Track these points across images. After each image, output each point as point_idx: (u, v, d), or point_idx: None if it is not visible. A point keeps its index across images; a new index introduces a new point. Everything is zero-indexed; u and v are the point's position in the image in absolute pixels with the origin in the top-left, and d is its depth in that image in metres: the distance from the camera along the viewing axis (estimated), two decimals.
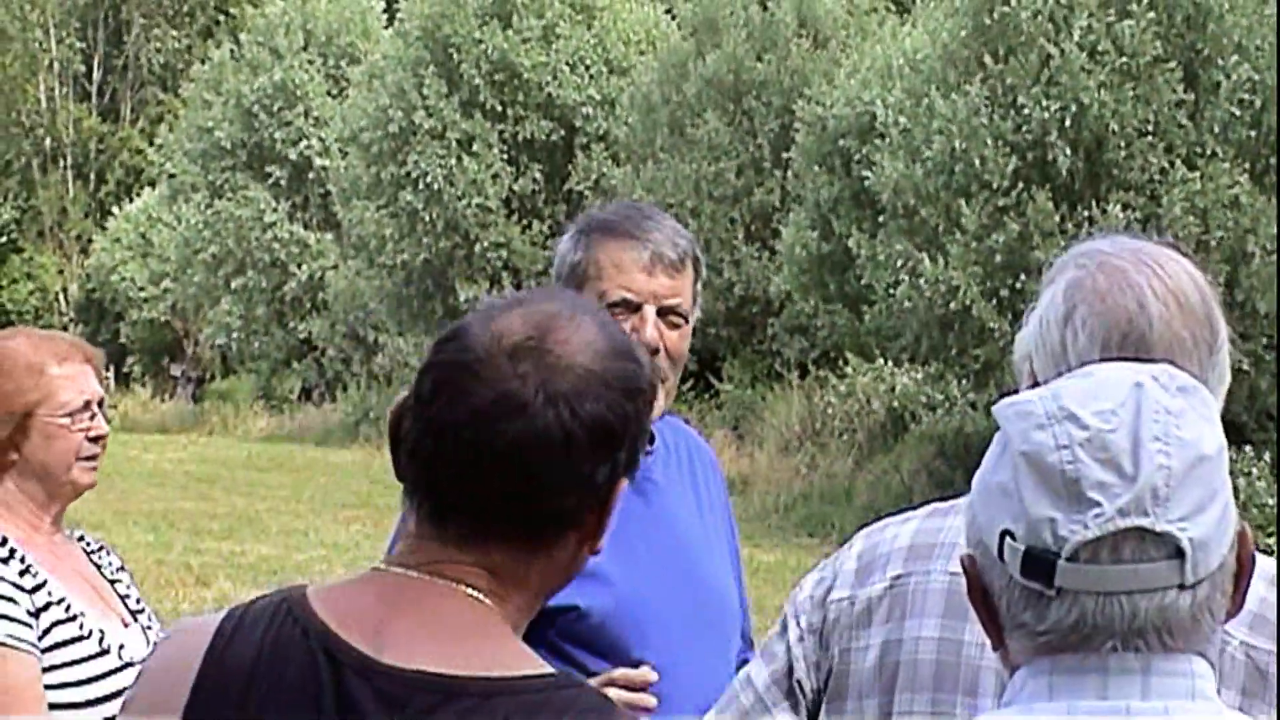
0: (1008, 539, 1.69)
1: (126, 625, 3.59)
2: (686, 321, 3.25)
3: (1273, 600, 2.43)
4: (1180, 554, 1.66)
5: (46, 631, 3.42)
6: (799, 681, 2.57)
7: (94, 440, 3.61)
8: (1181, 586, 1.66)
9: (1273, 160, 18.56)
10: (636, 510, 3.19)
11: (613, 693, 2.91)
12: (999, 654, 1.78)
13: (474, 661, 1.84)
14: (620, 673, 3.01)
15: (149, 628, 3.63)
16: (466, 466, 1.86)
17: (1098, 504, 1.66)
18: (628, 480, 1.94)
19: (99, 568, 3.70)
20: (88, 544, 3.75)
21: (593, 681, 2.92)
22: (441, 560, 1.89)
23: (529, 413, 1.84)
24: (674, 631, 3.17)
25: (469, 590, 1.88)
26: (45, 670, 3.39)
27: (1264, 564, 2.34)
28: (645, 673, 3.01)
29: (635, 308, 3.18)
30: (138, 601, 3.69)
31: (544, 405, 1.85)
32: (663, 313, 3.20)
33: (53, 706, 3.39)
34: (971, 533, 1.75)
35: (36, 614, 3.41)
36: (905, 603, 2.50)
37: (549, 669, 1.87)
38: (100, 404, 3.65)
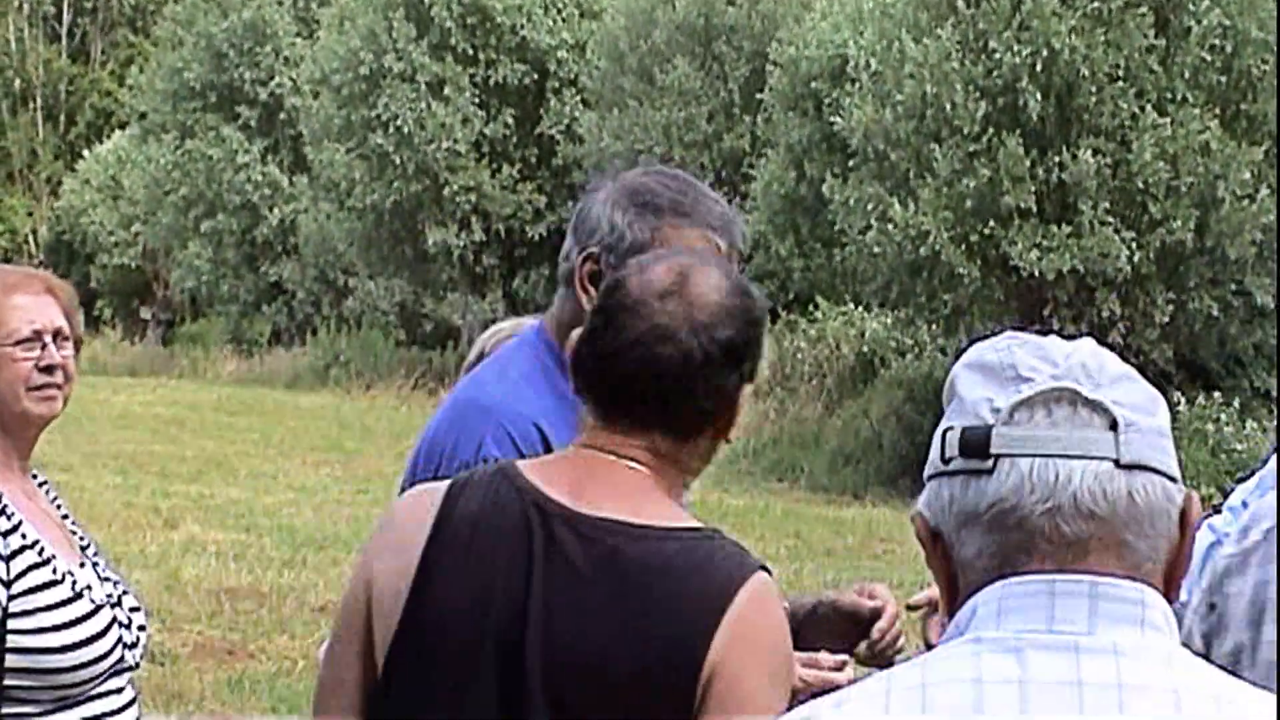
0: (948, 435, 1.71)
1: (82, 565, 3.55)
2: None
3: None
4: (1114, 427, 1.66)
5: (21, 574, 3.38)
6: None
7: (45, 370, 3.54)
8: (1117, 464, 1.65)
9: (1243, 106, 18.59)
10: None
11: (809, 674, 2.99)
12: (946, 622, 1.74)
13: (645, 514, 2.43)
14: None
15: (95, 564, 3.59)
16: (632, 381, 2.48)
17: (1030, 379, 1.69)
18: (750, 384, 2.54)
19: (58, 508, 3.66)
20: (41, 483, 3.69)
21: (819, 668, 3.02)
22: (619, 444, 2.49)
23: (677, 339, 2.45)
24: None
25: (638, 466, 2.49)
26: (26, 613, 3.36)
27: None
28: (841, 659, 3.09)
29: None
30: (82, 538, 3.65)
31: (689, 334, 2.46)
32: None
33: (35, 651, 3.36)
34: (927, 492, 1.74)
35: (10, 556, 3.37)
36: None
37: (703, 524, 2.46)
38: (57, 335, 3.57)
